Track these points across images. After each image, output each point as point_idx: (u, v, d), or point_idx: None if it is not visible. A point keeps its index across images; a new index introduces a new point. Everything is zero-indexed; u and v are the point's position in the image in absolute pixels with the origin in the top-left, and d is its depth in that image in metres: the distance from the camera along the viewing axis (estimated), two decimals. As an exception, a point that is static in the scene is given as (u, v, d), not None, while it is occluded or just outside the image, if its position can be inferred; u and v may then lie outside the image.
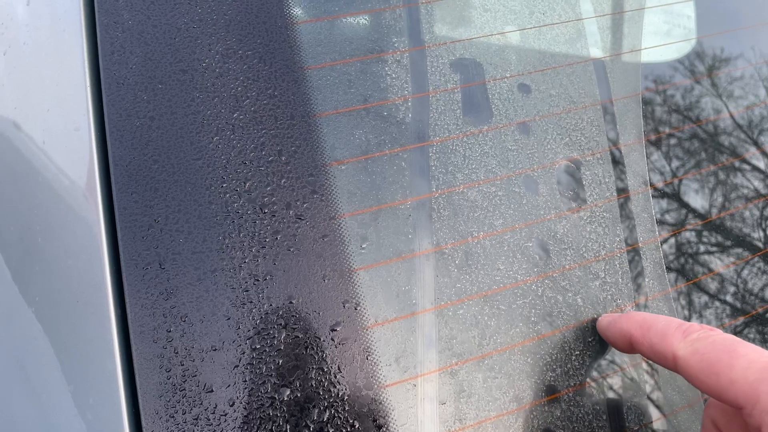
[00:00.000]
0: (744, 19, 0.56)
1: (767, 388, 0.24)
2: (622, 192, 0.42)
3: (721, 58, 0.54)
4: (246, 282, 0.34)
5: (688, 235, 0.46)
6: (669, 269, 0.43)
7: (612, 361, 0.39)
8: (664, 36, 0.52)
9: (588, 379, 0.38)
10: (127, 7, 0.37)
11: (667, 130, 0.48)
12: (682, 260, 0.45)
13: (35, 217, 0.37)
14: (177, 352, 0.32)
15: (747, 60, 0.54)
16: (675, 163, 0.48)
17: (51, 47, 0.39)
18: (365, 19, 0.40)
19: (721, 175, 0.49)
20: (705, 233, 0.47)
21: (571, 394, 0.37)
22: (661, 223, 0.44)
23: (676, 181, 0.47)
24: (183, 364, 0.32)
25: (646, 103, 0.47)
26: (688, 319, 0.43)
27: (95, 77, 0.36)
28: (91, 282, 0.34)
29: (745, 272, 0.47)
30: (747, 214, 0.49)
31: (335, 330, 0.34)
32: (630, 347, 0.34)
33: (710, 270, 0.46)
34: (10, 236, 0.38)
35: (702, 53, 0.53)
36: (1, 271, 0.38)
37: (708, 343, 0.28)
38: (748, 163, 0.50)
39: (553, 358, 0.37)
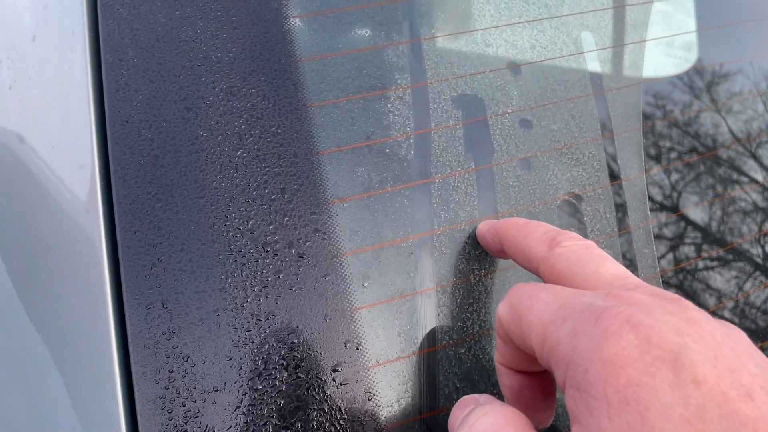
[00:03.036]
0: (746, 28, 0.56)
1: (554, 328, 0.23)
2: (624, 227, 0.43)
3: (721, 73, 0.54)
4: (248, 322, 0.34)
5: (691, 270, 0.46)
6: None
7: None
8: (664, 47, 0.52)
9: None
10: (133, 45, 0.38)
11: (669, 162, 0.48)
12: (685, 297, 0.45)
13: (38, 255, 0.37)
14: (179, 393, 0.32)
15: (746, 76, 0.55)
16: (678, 197, 0.48)
17: (56, 83, 0.39)
18: (368, 56, 0.41)
19: (728, 209, 0.49)
20: (709, 269, 0.47)
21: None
22: (662, 258, 0.45)
23: (678, 216, 0.47)
24: (185, 405, 0.32)
25: (647, 135, 0.47)
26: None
27: (100, 115, 0.37)
28: (93, 321, 0.34)
29: (756, 307, 0.47)
30: (755, 251, 0.49)
31: (336, 371, 0.34)
32: (501, 250, 0.34)
33: (718, 303, 0.46)
34: (14, 272, 0.38)
35: (702, 70, 0.53)
36: (5, 314, 0.38)
37: (519, 289, 0.26)
38: (760, 194, 0.50)
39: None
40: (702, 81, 0.53)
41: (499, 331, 0.27)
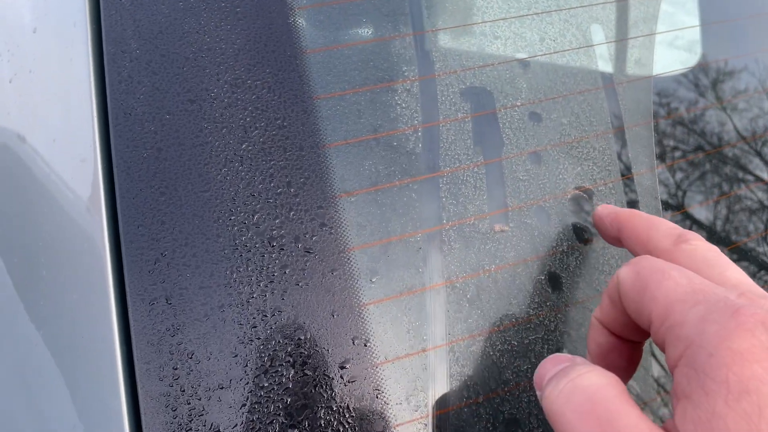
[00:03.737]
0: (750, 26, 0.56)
1: (680, 308, 0.24)
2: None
3: (725, 71, 0.53)
4: (254, 318, 0.33)
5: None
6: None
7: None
8: (668, 45, 0.51)
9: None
10: (135, 37, 0.37)
11: (680, 157, 0.47)
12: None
13: (39, 250, 0.36)
14: (183, 391, 0.32)
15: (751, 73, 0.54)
16: (689, 192, 0.47)
17: (58, 76, 0.38)
18: (375, 47, 0.40)
19: (739, 203, 0.48)
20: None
21: None
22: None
23: (690, 210, 0.46)
24: (189, 403, 0.32)
25: (658, 130, 0.46)
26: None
27: (102, 107, 0.36)
28: (96, 318, 0.33)
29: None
30: (762, 249, 0.48)
31: (344, 368, 0.33)
32: (617, 239, 0.34)
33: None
34: (14, 269, 0.37)
35: (707, 66, 0.52)
36: (6, 312, 0.37)
37: (649, 261, 0.27)
38: (766, 192, 0.50)
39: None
40: (707, 78, 0.52)
41: (612, 291, 0.28)
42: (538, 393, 0.27)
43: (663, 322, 0.24)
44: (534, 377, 0.28)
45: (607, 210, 0.36)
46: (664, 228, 0.31)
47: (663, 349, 0.24)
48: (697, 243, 0.29)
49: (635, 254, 0.33)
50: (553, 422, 0.25)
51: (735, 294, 0.24)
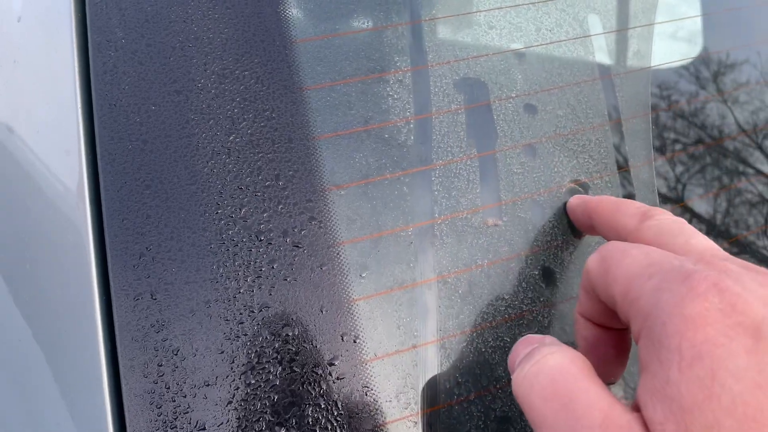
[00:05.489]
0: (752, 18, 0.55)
1: (638, 282, 0.23)
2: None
3: (727, 63, 0.52)
4: (241, 314, 0.32)
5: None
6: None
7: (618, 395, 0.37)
8: (668, 38, 0.50)
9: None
10: (121, 26, 0.36)
11: (678, 150, 0.47)
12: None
13: (23, 244, 0.36)
14: (168, 388, 0.31)
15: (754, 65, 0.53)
16: (686, 185, 0.46)
17: (42, 66, 0.37)
18: (366, 37, 0.39)
19: (739, 196, 0.48)
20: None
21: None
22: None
23: (689, 203, 0.46)
24: (174, 400, 0.31)
25: (657, 122, 0.46)
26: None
27: (87, 98, 0.35)
28: (79, 313, 0.32)
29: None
30: (762, 243, 0.47)
31: (333, 364, 0.33)
32: (590, 227, 0.34)
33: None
34: (-3, 262, 0.37)
35: (708, 58, 0.52)
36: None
37: (612, 245, 0.27)
38: (765, 175, 0.49)
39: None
40: (708, 70, 0.52)
41: (585, 282, 0.28)
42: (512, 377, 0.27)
43: (624, 300, 0.24)
44: (507, 361, 0.28)
45: (578, 200, 0.37)
46: (630, 208, 0.31)
47: (628, 326, 0.24)
48: (662, 217, 0.30)
49: (608, 239, 0.33)
50: (523, 408, 0.25)
51: (692, 261, 0.23)
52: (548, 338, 0.27)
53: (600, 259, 0.27)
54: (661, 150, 0.46)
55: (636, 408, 0.22)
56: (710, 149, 0.48)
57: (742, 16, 0.56)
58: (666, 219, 0.30)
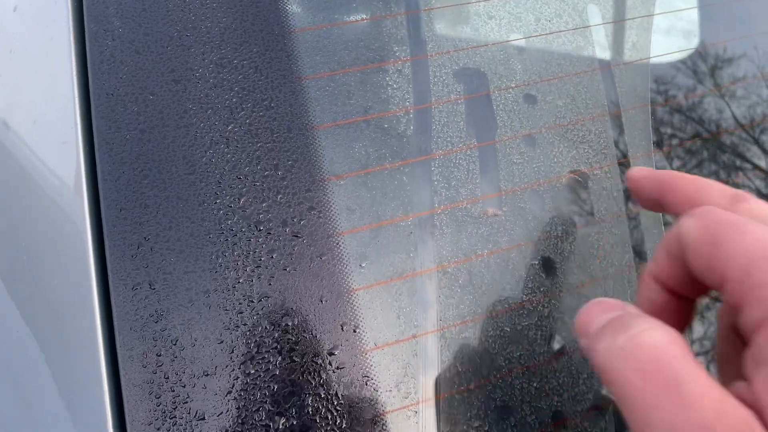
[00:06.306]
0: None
1: (764, 265, 0.22)
2: (632, 206, 0.41)
3: (724, 58, 0.52)
4: (240, 304, 0.32)
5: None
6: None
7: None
8: (664, 33, 0.50)
9: (596, 404, 0.36)
10: (118, 15, 0.36)
11: (678, 141, 0.47)
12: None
13: (19, 235, 0.35)
14: (167, 378, 0.31)
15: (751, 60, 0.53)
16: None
17: (38, 56, 0.37)
18: (365, 27, 0.39)
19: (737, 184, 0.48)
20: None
21: (578, 420, 0.35)
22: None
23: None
24: (174, 391, 0.31)
25: (656, 113, 0.46)
26: (700, 342, 0.42)
27: (84, 88, 0.35)
28: (77, 303, 0.32)
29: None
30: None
31: (333, 354, 0.32)
32: (656, 202, 0.31)
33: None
34: (-6, 253, 0.37)
35: (706, 52, 0.51)
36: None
37: (718, 214, 0.25)
38: (762, 170, 0.49)
39: (560, 381, 0.36)
40: (705, 64, 0.51)
41: (672, 245, 0.26)
42: (582, 341, 0.25)
43: (743, 282, 0.22)
44: (576, 322, 0.26)
45: (644, 172, 0.33)
46: (716, 188, 0.29)
47: (737, 310, 0.23)
48: (757, 203, 0.27)
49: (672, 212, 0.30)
50: (608, 380, 0.23)
51: None
52: (630, 307, 0.26)
53: (703, 227, 0.24)
54: (659, 143, 0.46)
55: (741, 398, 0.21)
56: (708, 142, 0.48)
57: (739, 8, 0.56)
58: (763, 205, 0.27)
